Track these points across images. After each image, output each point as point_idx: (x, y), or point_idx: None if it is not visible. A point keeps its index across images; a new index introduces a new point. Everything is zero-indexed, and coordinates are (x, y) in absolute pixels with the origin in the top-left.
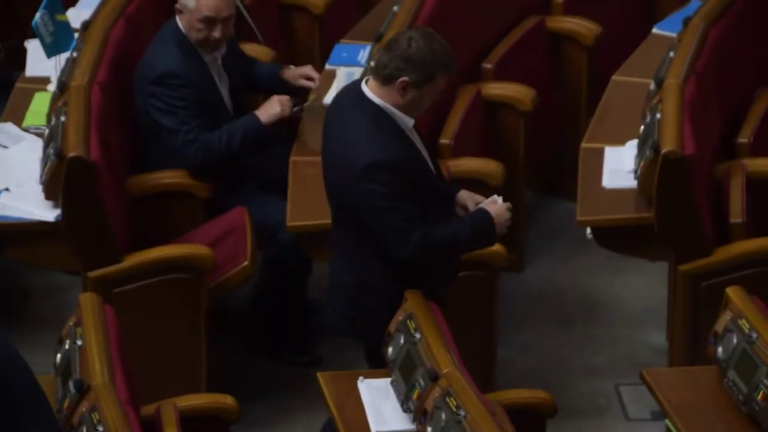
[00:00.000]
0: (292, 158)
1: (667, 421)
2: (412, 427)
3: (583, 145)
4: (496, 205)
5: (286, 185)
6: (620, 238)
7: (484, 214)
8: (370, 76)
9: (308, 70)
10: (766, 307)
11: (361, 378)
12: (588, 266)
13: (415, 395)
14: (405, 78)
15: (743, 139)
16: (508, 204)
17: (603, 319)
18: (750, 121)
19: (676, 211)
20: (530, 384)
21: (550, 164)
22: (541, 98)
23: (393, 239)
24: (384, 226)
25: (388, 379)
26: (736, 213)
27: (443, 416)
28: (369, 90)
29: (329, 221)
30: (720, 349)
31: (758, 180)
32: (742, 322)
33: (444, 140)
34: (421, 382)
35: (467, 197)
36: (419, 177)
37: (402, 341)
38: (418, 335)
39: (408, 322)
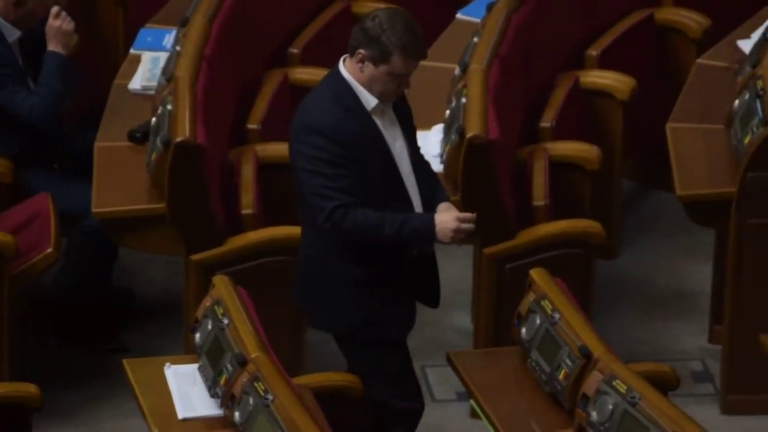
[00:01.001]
0: (97, 144)
1: (471, 402)
2: (220, 412)
3: None
4: (443, 214)
5: (91, 170)
6: None
7: (427, 217)
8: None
9: None
10: (568, 289)
11: (167, 364)
12: None
13: (222, 380)
14: (361, 51)
15: (545, 123)
16: (463, 215)
17: None
18: (552, 106)
19: (481, 194)
20: (339, 367)
21: None
22: None
23: (311, 204)
24: (306, 188)
25: (195, 365)
26: (539, 196)
27: (251, 401)
28: (342, 64)
29: (135, 207)
30: (523, 330)
31: (560, 163)
32: (545, 303)
33: (252, 125)
34: (229, 367)
35: (445, 209)
36: (369, 157)
37: (209, 327)
38: (225, 320)
39: (215, 307)
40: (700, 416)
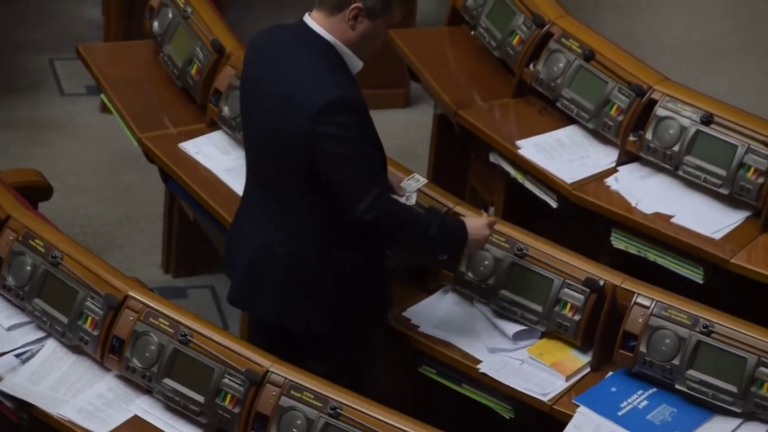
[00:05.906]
0: None
1: (102, 95)
2: None
3: None
4: (476, 219)
5: None
6: None
7: (459, 222)
8: (315, 8)
9: None
10: None
11: None
12: None
13: None
14: (358, 4)
15: None
16: (492, 219)
17: None
18: None
19: None
20: None
21: None
22: None
23: (346, 193)
24: (339, 176)
25: None
26: None
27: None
28: (314, 23)
29: None
30: (156, 24)
31: None
32: None
33: None
34: None
35: (389, 176)
36: (374, 128)
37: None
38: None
39: None
40: None
